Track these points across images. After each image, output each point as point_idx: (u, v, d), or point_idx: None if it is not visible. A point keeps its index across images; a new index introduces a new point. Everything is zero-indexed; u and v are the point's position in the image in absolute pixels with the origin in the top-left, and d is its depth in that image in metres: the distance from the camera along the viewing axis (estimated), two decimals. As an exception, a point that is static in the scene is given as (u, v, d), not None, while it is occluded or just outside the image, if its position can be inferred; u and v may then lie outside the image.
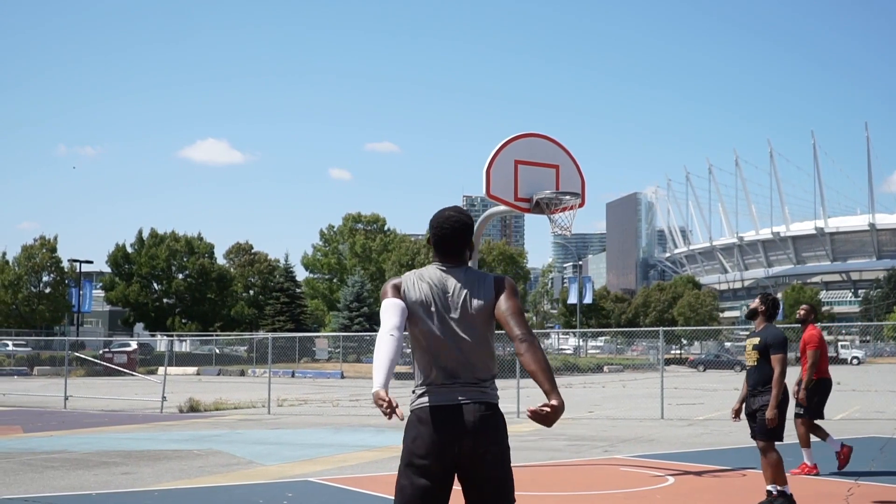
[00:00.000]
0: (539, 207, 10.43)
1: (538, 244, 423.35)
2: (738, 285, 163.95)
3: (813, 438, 9.82)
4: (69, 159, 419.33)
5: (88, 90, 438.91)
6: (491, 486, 3.44)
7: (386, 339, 3.38)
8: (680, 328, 66.27)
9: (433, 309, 3.48)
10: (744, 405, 7.65)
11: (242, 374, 46.56)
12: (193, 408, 20.27)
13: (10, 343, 49.79)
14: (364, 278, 60.43)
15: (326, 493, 8.72)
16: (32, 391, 27.08)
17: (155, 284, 65.14)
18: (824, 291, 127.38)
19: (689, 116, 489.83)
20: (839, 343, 72.70)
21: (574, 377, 43.69)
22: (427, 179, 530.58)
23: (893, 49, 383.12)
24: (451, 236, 3.58)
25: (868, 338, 78.41)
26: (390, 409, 3.21)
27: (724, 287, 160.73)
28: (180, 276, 64.90)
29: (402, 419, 3.35)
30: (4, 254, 59.29)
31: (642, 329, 43.73)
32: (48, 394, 24.64)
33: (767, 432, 7.34)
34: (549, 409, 3.22)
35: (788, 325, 15.77)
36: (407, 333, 3.56)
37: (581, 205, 10.70)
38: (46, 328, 61.28)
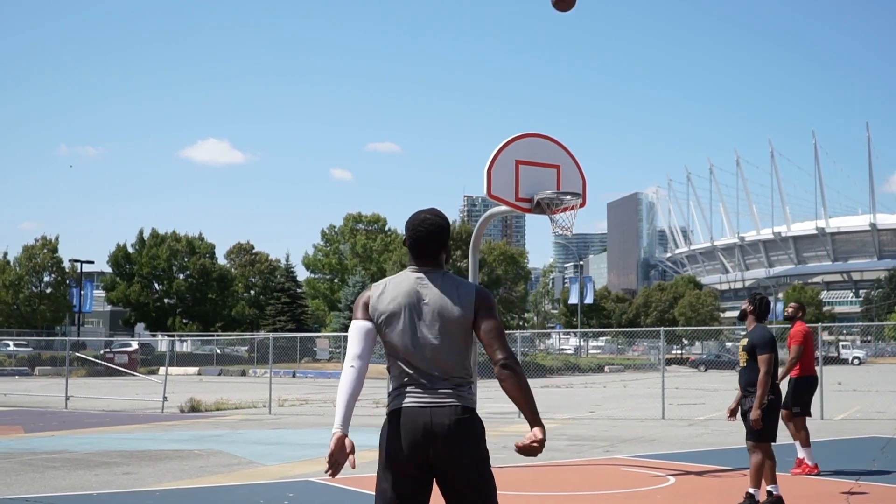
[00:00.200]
0: (540, 207, 10.42)
1: (539, 244, 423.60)
2: (739, 285, 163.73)
3: (789, 440, 9.81)
4: (70, 159, 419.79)
5: (89, 90, 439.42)
6: (469, 493, 3.40)
7: (347, 372, 3.41)
8: (681, 328, 66.17)
9: (406, 315, 3.45)
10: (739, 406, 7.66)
11: (243, 374, 46.58)
12: (194, 408, 20.28)
13: (11, 343, 49.79)
14: (365, 278, 60.41)
15: (327, 493, 8.73)
16: (33, 391, 27.08)
17: (156, 284, 65.12)
18: (825, 291, 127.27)
19: (690, 116, 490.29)
20: (840, 343, 72.68)
21: (575, 377, 43.69)
22: (428, 179, 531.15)
23: (894, 49, 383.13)
24: (427, 239, 3.55)
25: (869, 338, 78.38)
26: (332, 469, 3.23)
27: (725, 287, 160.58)
28: (181, 276, 64.89)
29: (353, 467, 3.30)
30: (6, 254, 59.40)
31: (643, 329, 43.81)
32: (49, 394, 24.65)
33: (754, 433, 7.31)
34: (536, 444, 3.35)
35: (783, 325, 15.77)
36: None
37: (582, 205, 10.68)
38: (47, 328, 61.30)
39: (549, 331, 71.94)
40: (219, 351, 57.91)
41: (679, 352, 74.28)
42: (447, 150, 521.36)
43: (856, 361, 63.04)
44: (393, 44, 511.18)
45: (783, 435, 10.14)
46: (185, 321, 63.89)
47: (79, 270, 57.59)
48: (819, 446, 9.98)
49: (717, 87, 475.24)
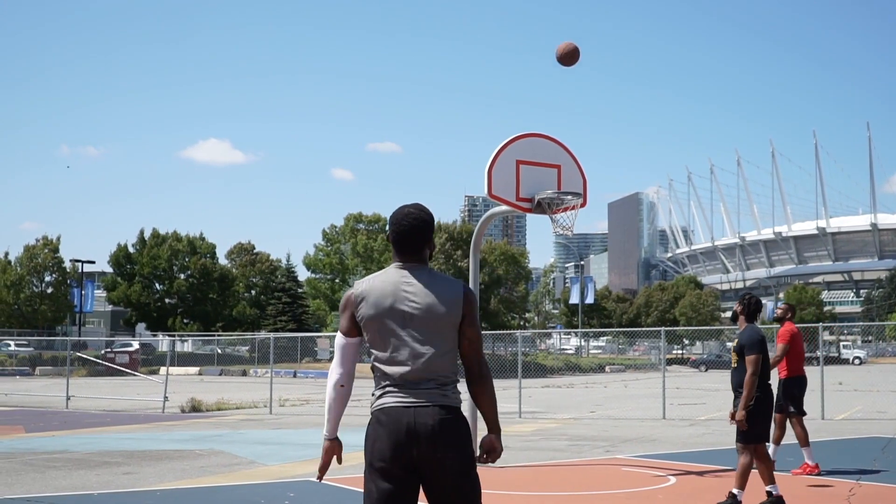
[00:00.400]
0: (541, 207, 10.42)
1: (540, 244, 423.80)
2: (739, 285, 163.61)
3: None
4: (71, 159, 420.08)
5: (90, 90, 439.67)
6: (453, 494, 3.37)
7: (336, 390, 3.54)
8: (682, 328, 66.17)
9: (390, 314, 3.42)
10: None
11: (244, 374, 46.61)
12: (195, 408, 20.29)
13: (12, 343, 49.84)
14: (366, 278, 60.34)
15: (328, 493, 8.73)
16: (34, 391, 27.09)
17: (157, 284, 65.11)
18: (826, 291, 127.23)
19: (691, 116, 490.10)
20: (841, 343, 72.70)
21: (576, 377, 43.69)
22: (429, 179, 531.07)
23: (895, 49, 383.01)
24: (410, 233, 3.51)
25: (870, 338, 78.40)
26: (320, 473, 3.57)
27: (725, 287, 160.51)
28: (182, 276, 64.88)
29: (340, 463, 3.49)
30: (7, 254, 59.41)
31: (644, 329, 43.80)
32: (50, 394, 24.65)
33: (741, 434, 7.30)
34: (491, 460, 3.61)
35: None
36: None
37: (583, 205, 10.69)
38: (48, 328, 61.33)
39: (549, 331, 71.95)
40: (220, 351, 57.95)
41: (680, 352, 74.30)
42: (448, 150, 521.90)
43: (857, 361, 63.08)
44: (393, 44, 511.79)
45: (786, 434, 10.15)
46: (185, 321, 63.89)
47: (80, 270, 57.63)
48: (820, 446, 9.97)
49: (718, 87, 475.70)
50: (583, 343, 71.96)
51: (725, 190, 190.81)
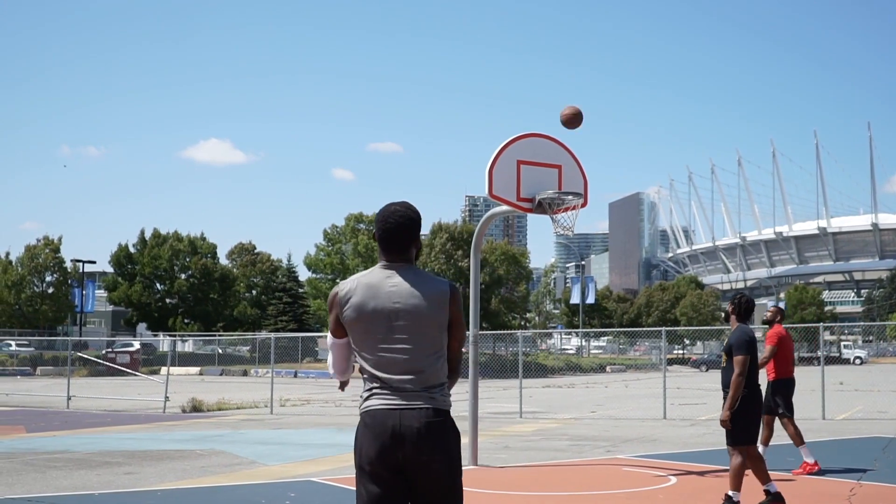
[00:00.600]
0: (541, 207, 10.42)
1: (541, 244, 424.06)
2: (740, 285, 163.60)
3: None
4: (72, 159, 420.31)
5: (91, 90, 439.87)
6: (437, 498, 3.32)
7: (341, 381, 3.80)
8: (682, 328, 66.18)
9: (375, 316, 3.37)
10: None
11: (245, 374, 46.63)
12: (196, 408, 20.29)
13: (13, 343, 49.86)
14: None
15: (329, 493, 8.73)
16: (35, 391, 27.09)
17: (158, 284, 65.11)
18: (827, 291, 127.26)
19: (692, 116, 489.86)
20: (842, 343, 72.72)
21: (576, 377, 43.69)
22: (429, 179, 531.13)
23: (895, 49, 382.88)
24: (396, 231, 3.44)
25: (871, 338, 78.40)
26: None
27: (726, 287, 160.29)
28: (183, 276, 64.88)
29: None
30: (8, 254, 59.46)
31: (645, 329, 43.79)
32: (51, 394, 24.66)
33: (729, 436, 7.30)
34: None
35: (785, 326, 15.73)
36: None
37: (583, 205, 10.69)
38: (49, 328, 61.34)
39: (550, 331, 71.97)
40: (220, 351, 57.95)
41: (681, 352, 74.27)
42: (449, 150, 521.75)
43: (857, 361, 63.07)
44: (394, 44, 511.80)
45: (781, 435, 10.16)
46: (186, 321, 63.90)
47: (81, 270, 57.65)
48: (821, 446, 9.97)
49: (719, 87, 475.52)
50: (583, 343, 71.96)
51: (726, 190, 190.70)
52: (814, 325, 25.50)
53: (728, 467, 7.26)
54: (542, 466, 10.71)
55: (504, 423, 17.12)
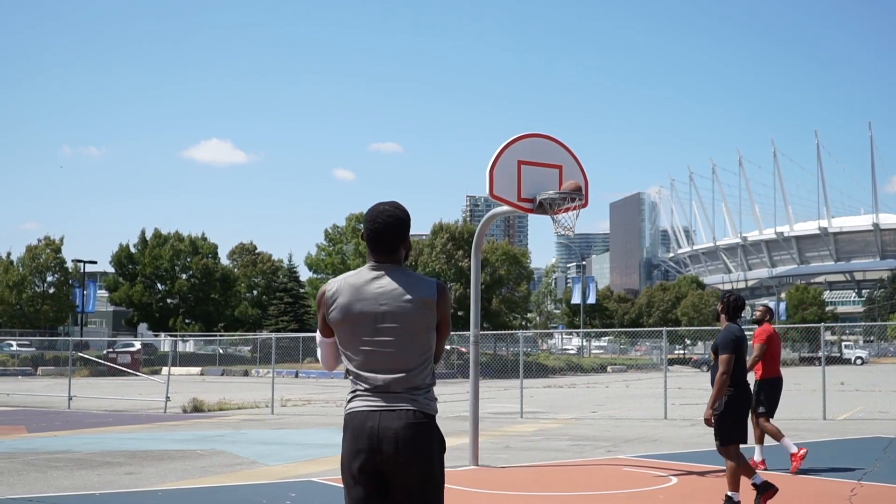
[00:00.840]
0: (542, 208, 10.42)
1: (541, 244, 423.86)
2: (741, 285, 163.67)
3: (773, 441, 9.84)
4: (73, 160, 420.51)
5: (92, 90, 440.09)
6: (415, 501, 3.28)
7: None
8: (683, 328, 66.10)
9: (360, 317, 3.33)
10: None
11: (246, 374, 46.64)
12: (197, 408, 20.29)
13: (14, 343, 49.88)
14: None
15: (329, 493, 8.74)
16: (36, 391, 27.11)
17: (158, 285, 65.12)
18: (828, 291, 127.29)
19: (693, 116, 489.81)
20: (843, 343, 72.67)
21: (577, 377, 43.68)
22: (430, 179, 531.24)
23: (895, 49, 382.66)
24: (384, 231, 3.39)
25: (872, 338, 78.39)
26: None
27: (727, 287, 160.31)
28: (184, 276, 64.88)
29: None
30: (9, 254, 59.53)
31: (646, 329, 43.72)
32: (52, 394, 24.67)
33: (715, 435, 7.30)
34: None
35: (786, 326, 15.78)
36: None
37: (584, 205, 10.68)
38: (50, 328, 61.35)
39: (551, 331, 71.95)
40: (221, 351, 57.95)
41: (681, 352, 74.23)
42: (450, 151, 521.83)
43: (858, 361, 63.04)
44: (395, 44, 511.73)
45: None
46: (187, 321, 63.91)
47: (82, 270, 57.65)
48: (822, 446, 9.98)
49: (720, 88, 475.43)
50: (584, 343, 71.95)
51: (727, 190, 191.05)
52: (815, 325, 25.48)
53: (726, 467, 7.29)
54: (543, 466, 10.71)
55: (505, 423, 17.12)
